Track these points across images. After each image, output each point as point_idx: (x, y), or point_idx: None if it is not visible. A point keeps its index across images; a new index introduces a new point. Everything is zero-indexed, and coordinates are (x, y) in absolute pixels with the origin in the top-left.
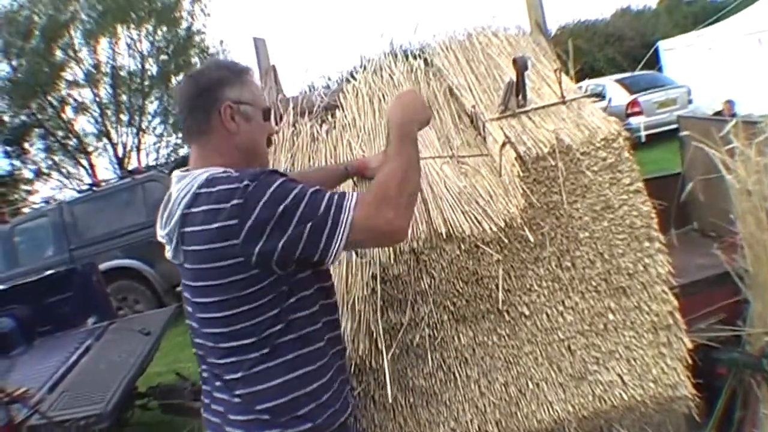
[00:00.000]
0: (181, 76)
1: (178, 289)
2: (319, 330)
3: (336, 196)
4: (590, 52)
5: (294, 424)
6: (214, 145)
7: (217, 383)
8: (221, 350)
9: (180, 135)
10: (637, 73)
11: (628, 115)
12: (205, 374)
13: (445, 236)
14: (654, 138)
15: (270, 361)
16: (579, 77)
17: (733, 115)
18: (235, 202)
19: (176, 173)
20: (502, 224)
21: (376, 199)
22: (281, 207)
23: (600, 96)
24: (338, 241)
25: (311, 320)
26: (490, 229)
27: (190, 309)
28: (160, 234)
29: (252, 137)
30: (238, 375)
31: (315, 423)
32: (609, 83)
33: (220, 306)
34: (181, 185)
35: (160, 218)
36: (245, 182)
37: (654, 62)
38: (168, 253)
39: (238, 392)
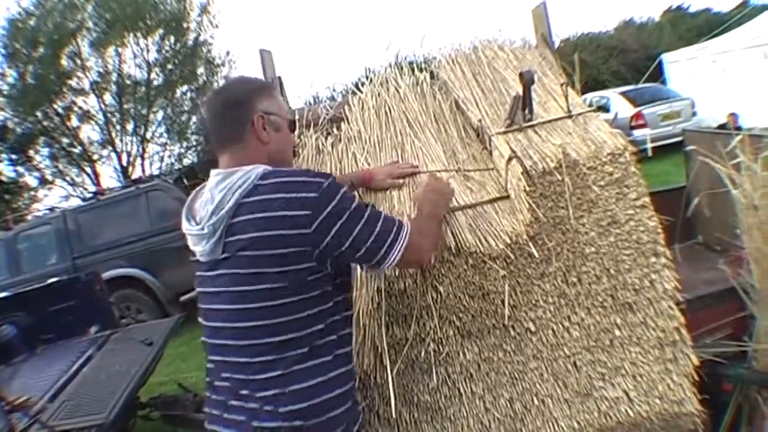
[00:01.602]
0: (186, 87)
1: (182, 298)
2: (346, 336)
3: (398, 221)
4: (594, 64)
5: (322, 428)
6: (247, 153)
7: (243, 391)
8: (257, 348)
9: (185, 144)
10: (641, 85)
11: (633, 128)
12: (223, 383)
13: (452, 251)
14: (658, 150)
15: (307, 361)
16: (583, 90)
17: (738, 128)
18: (310, 195)
19: (216, 171)
20: (508, 240)
21: (421, 232)
22: (352, 207)
23: (604, 109)
24: (397, 252)
25: (342, 325)
26: (496, 244)
27: (219, 306)
28: (193, 229)
29: (282, 146)
30: (275, 373)
31: (341, 429)
32: (613, 96)
33: (271, 294)
34: (232, 180)
35: (187, 214)
36: (319, 179)
37: (658, 75)
38: (202, 247)
39: (271, 393)
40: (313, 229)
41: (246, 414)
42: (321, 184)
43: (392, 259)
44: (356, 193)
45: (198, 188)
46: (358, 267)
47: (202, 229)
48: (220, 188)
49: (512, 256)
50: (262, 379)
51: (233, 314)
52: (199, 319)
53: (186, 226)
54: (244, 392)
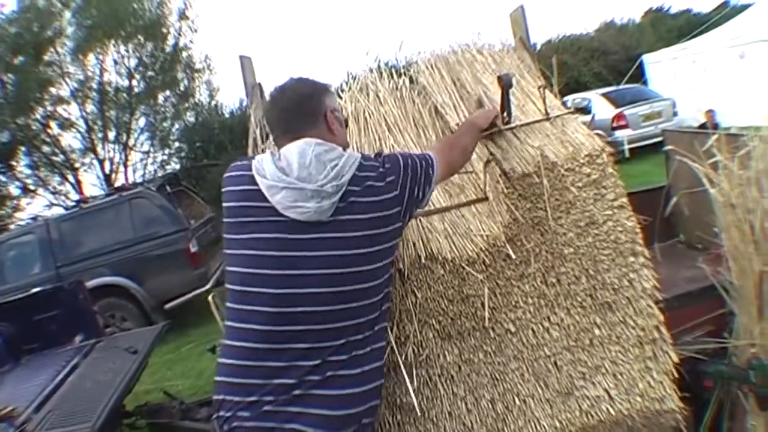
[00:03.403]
0: (167, 93)
1: (166, 306)
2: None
3: (426, 160)
4: (575, 66)
5: (371, 414)
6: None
7: (319, 377)
8: (350, 311)
9: (167, 151)
10: (622, 86)
11: (614, 129)
12: (288, 379)
13: (429, 257)
14: (640, 151)
15: (374, 343)
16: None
17: (716, 125)
18: (391, 164)
19: (308, 140)
20: (485, 245)
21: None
22: (411, 165)
23: (586, 110)
24: (432, 187)
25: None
26: (473, 249)
27: (309, 271)
28: (297, 183)
29: (346, 139)
30: (366, 350)
31: (373, 419)
32: (594, 97)
33: (373, 257)
34: (339, 152)
35: (295, 170)
36: (380, 155)
37: (639, 75)
38: (310, 204)
39: (355, 371)
40: (399, 190)
41: (323, 406)
42: (386, 155)
43: (430, 193)
44: None
45: (269, 151)
46: None
47: (322, 186)
48: (332, 157)
49: (489, 260)
50: (348, 358)
51: (332, 278)
52: (247, 289)
53: (276, 179)
54: (333, 358)
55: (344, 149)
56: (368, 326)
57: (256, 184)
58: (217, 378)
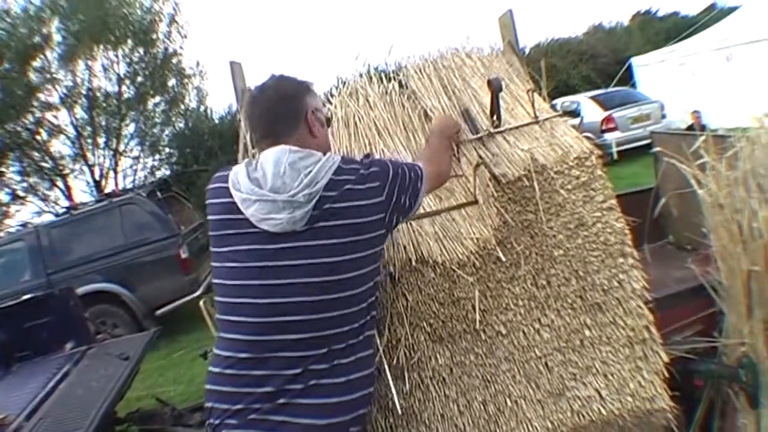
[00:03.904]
0: (157, 99)
1: (158, 312)
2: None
3: (416, 166)
4: (564, 69)
5: (359, 422)
6: (300, 145)
7: (301, 385)
8: (328, 321)
9: (157, 157)
10: (610, 89)
11: (603, 131)
12: (270, 387)
13: (420, 260)
14: (630, 153)
15: (360, 351)
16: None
17: (702, 127)
18: (377, 168)
19: (285, 147)
20: (476, 248)
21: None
22: (399, 171)
23: (575, 113)
24: (420, 197)
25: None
26: (464, 252)
27: (284, 281)
28: (269, 195)
29: (327, 141)
30: (344, 345)
31: (361, 427)
32: (583, 100)
33: (353, 264)
34: (316, 158)
35: (252, 184)
36: (368, 158)
37: (627, 78)
38: (282, 215)
39: (343, 379)
40: (384, 196)
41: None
42: (374, 160)
43: (419, 203)
44: None
45: (244, 163)
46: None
47: (293, 196)
48: (307, 164)
49: (480, 263)
50: (330, 367)
51: (314, 287)
52: (231, 300)
53: (248, 192)
54: (300, 387)
55: (326, 151)
56: (353, 334)
57: (233, 196)
58: (207, 386)
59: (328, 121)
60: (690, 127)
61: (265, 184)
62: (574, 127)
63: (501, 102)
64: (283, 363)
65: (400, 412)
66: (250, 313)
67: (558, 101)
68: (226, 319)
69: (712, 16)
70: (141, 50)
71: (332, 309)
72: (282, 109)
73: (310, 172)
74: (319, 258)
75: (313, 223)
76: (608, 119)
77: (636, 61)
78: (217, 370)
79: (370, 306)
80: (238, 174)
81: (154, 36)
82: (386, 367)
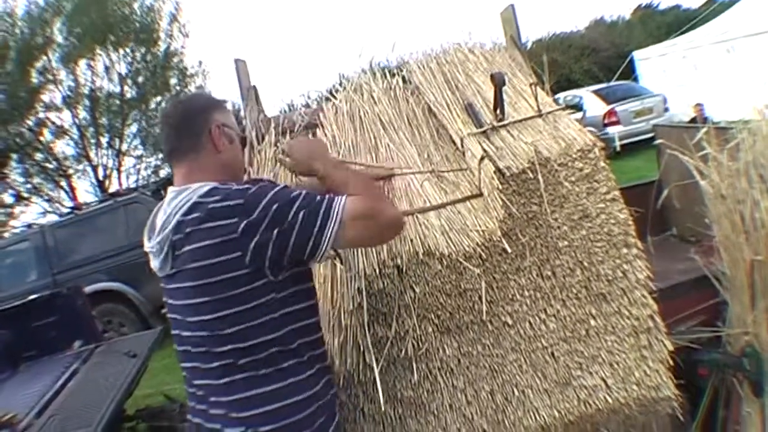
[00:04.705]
0: (159, 98)
1: (164, 310)
2: (302, 347)
3: (327, 196)
4: (566, 64)
5: None
6: (202, 164)
7: (212, 398)
8: (214, 354)
9: (160, 156)
10: (613, 83)
11: (606, 125)
12: (197, 390)
13: (426, 253)
14: (633, 147)
15: (262, 368)
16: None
17: (705, 119)
18: (237, 201)
19: (171, 189)
20: (481, 240)
21: (364, 195)
22: (276, 205)
23: (577, 107)
24: (329, 233)
25: (294, 336)
26: (469, 244)
27: (178, 316)
28: (148, 246)
29: (234, 158)
30: (236, 377)
31: (310, 431)
32: (586, 94)
33: (216, 305)
34: (180, 198)
35: (148, 231)
36: (248, 186)
37: (629, 72)
38: (155, 263)
39: (234, 398)
40: (240, 233)
41: (221, 421)
42: (248, 190)
43: (325, 243)
44: None
45: (158, 205)
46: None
47: (152, 247)
48: (171, 206)
49: (486, 254)
50: (225, 383)
51: (189, 324)
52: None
53: (146, 244)
54: (214, 399)
55: (234, 168)
56: (236, 370)
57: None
58: None
59: (243, 140)
60: (693, 120)
61: (155, 230)
62: (576, 120)
63: (504, 96)
64: (204, 392)
65: (382, 405)
66: (175, 341)
67: (560, 96)
68: None
69: (713, 9)
70: (142, 50)
71: (213, 344)
72: (183, 126)
73: (164, 217)
74: (186, 299)
75: (179, 266)
76: (611, 113)
77: (638, 55)
78: None
79: (262, 345)
80: (150, 220)
81: (156, 35)
82: (374, 360)
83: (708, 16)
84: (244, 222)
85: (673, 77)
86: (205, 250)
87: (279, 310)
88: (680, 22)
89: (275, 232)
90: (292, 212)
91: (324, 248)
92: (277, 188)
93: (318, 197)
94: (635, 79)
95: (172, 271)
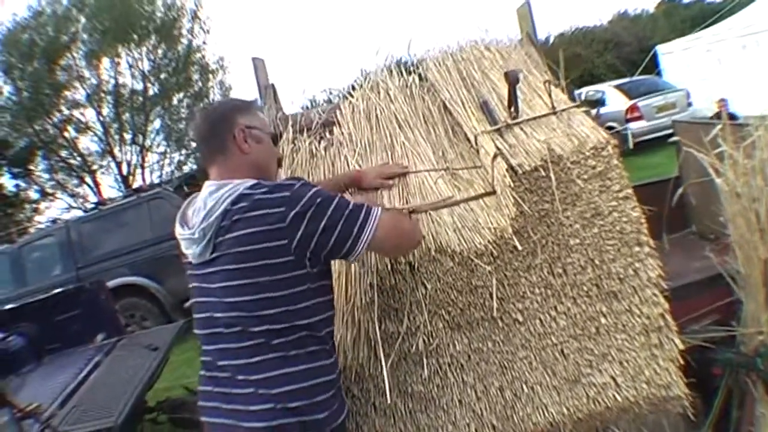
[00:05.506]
0: (181, 94)
1: (186, 305)
2: (327, 336)
3: (364, 203)
4: (589, 58)
5: (311, 411)
6: (231, 165)
7: (239, 376)
8: (246, 334)
9: (183, 152)
10: (635, 78)
11: (628, 120)
12: (221, 373)
13: (438, 249)
14: (655, 143)
15: (293, 349)
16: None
17: (730, 115)
18: (284, 194)
19: (208, 183)
20: (493, 237)
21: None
22: (319, 199)
23: (600, 102)
24: (368, 235)
25: (323, 326)
26: (481, 241)
27: (211, 299)
28: (185, 233)
29: (263, 157)
30: (267, 357)
31: (329, 412)
32: (608, 89)
33: (256, 288)
34: (223, 191)
35: (180, 220)
36: (292, 182)
37: (653, 67)
38: (193, 249)
39: (263, 376)
40: (287, 223)
41: (242, 401)
42: (293, 185)
43: (363, 244)
44: (348, 193)
45: (191, 197)
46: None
47: (194, 233)
48: (213, 197)
49: (497, 252)
50: (256, 362)
51: (226, 305)
52: (193, 314)
53: (179, 231)
54: (242, 377)
55: (263, 167)
56: (268, 349)
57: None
58: None
59: (274, 137)
60: (716, 116)
61: (190, 220)
62: (591, 117)
63: (519, 93)
64: (229, 373)
65: (388, 398)
66: (197, 326)
67: (582, 90)
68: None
69: (738, 1)
70: (164, 46)
71: (246, 324)
72: (210, 135)
73: (209, 206)
74: (225, 282)
75: (221, 251)
76: (633, 108)
77: (661, 49)
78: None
79: (294, 328)
80: (180, 212)
81: (177, 32)
82: (382, 355)
83: (733, 8)
84: (293, 212)
85: (697, 72)
86: (250, 237)
87: (311, 299)
88: (705, 15)
89: (321, 225)
90: (333, 209)
91: (361, 249)
92: (317, 187)
93: (353, 202)
94: (658, 74)
95: (212, 256)
